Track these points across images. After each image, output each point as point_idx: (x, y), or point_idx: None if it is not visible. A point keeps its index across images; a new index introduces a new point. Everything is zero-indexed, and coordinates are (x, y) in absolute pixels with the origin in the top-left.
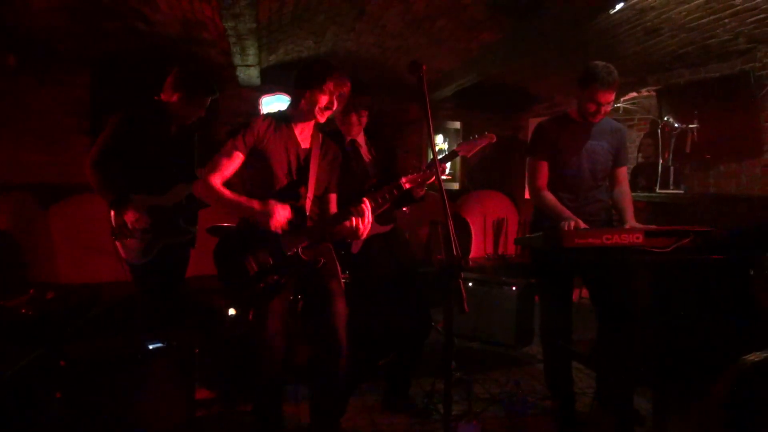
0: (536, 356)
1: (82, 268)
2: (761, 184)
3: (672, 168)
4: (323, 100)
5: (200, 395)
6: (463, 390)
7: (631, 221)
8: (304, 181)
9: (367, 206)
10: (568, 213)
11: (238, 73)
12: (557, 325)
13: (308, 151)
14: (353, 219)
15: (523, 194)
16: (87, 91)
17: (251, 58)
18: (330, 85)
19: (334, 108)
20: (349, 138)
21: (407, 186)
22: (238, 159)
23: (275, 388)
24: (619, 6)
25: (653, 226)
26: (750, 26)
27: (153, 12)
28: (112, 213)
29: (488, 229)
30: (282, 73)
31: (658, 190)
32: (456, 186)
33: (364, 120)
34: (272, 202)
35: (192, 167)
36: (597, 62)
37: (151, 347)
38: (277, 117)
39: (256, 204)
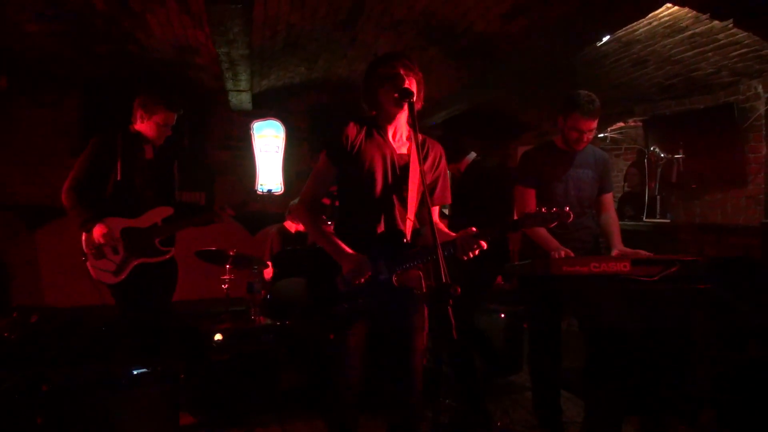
0: (524, 384)
1: (66, 291)
2: (746, 214)
3: (658, 197)
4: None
5: (184, 421)
6: (453, 417)
7: (618, 246)
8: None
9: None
10: (555, 242)
11: (230, 97)
12: (546, 353)
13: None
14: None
15: None
16: (77, 113)
17: (243, 84)
18: None
19: None
20: None
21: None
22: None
23: (351, 420)
24: (605, 38)
25: (641, 251)
26: (733, 60)
27: (147, 36)
28: (84, 236)
29: None
30: (273, 99)
31: (644, 219)
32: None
33: None
34: (364, 257)
35: (171, 191)
36: (579, 91)
37: (135, 372)
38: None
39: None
